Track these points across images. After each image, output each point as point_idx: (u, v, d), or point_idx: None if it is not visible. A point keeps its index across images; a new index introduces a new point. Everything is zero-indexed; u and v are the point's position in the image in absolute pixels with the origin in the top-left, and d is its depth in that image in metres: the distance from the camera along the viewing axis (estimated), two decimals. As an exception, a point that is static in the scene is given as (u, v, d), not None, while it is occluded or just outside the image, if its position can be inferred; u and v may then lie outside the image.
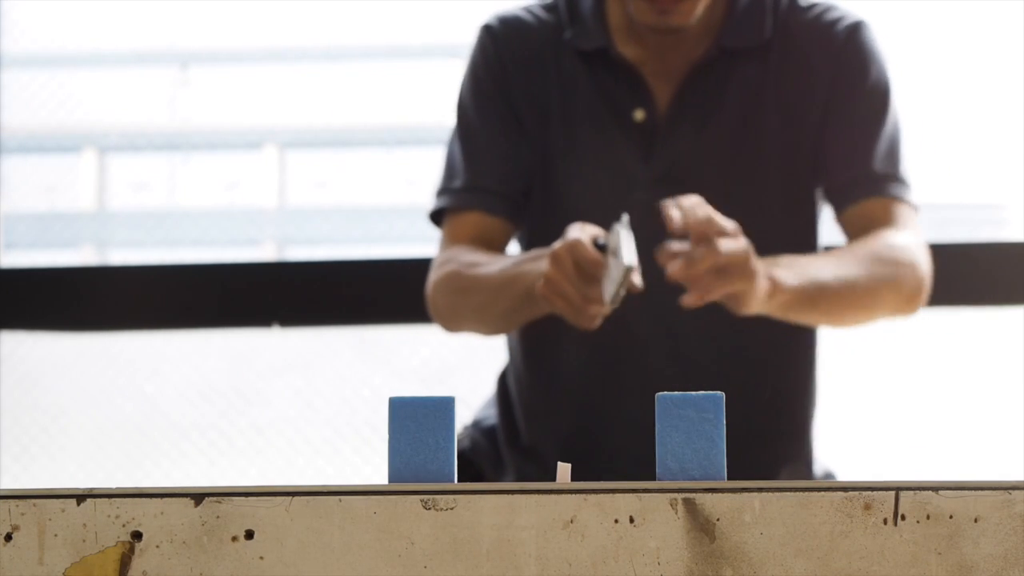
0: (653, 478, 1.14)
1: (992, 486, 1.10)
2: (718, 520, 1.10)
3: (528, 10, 2.36)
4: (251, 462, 2.96)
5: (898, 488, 1.10)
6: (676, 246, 2.02)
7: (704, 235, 2.00)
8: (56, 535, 1.12)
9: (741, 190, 2.26)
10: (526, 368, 2.33)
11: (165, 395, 2.99)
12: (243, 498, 1.12)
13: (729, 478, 1.13)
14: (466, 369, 2.94)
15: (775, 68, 2.29)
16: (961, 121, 3.00)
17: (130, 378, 3.00)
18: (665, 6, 2.20)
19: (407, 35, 3.10)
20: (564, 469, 1.18)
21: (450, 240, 2.31)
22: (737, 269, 2.01)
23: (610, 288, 1.96)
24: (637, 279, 1.98)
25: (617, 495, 1.11)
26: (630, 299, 2.03)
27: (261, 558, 1.12)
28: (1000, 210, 3.06)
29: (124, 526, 1.12)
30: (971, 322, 2.87)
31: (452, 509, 1.11)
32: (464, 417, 2.44)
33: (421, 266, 2.44)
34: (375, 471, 2.92)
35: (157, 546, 1.12)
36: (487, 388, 2.47)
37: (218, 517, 1.12)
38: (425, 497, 1.12)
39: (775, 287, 2.07)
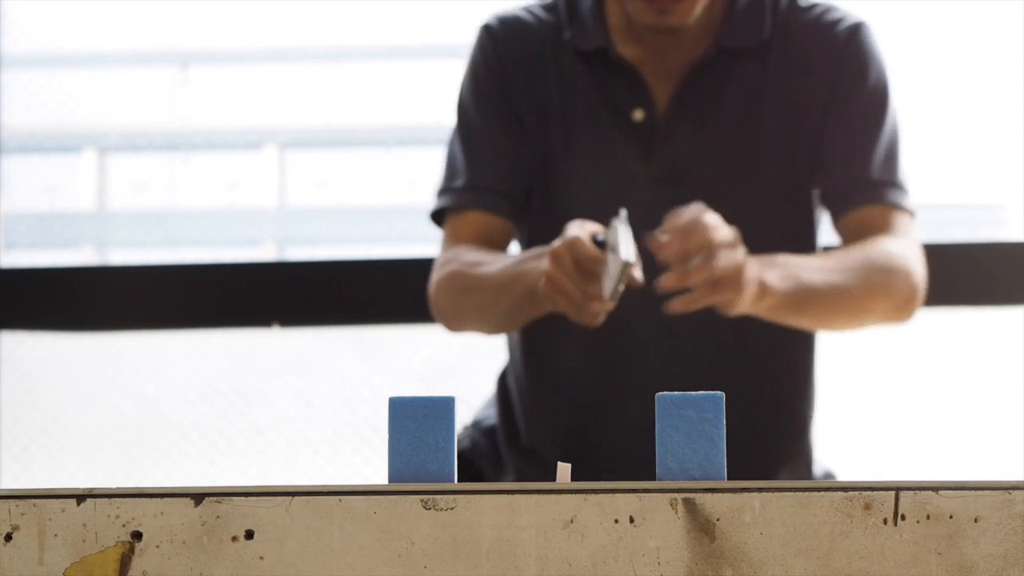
0: (653, 478, 1.14)
1: (992, 486, 1.10)
2: (718, 520, 1.10)
3: (528, 10, 2.37)
4: (251, 462, 2.96)
5: (898, 488, 1.10)
6: (667, 236, 2.03)
7: (701, 247, 2.00)
8: (56, 535, 1.12)
9: (740, 190, 2.26)
10: (526, 368, 2.33)
11: (165, 395, 2.99)
12: (243, 498, 1.12)
13: (729, 478, 1.13)
14: (466, 369, 2.94)
15: (774, 68, 2.29)
16: (961, 121, 3.00)
17: (130, 378, 3.00)
18: (663, 6, 2.20)
19: (407, 35, 3.10)
20: (564, 469, 1.18)
21: (452, 240, 2.31)
22: (729, 283, 2.02)
23: (609, 284, 1.96)
24: (638, 273, 1.98)
25: (617, 495, 1.11)
26: (630, 299, 2.03)
27: (261, 558, 1.12)
28: (1000, 210, 3.06)
29: (124, 526, 1.12)
30: (971, 322, 2.87)
31: (452, 509, 1.11)
32: (464, 417, 2.44)
33: (421, 266, 2.44)
34: (375, 471, 2.92)
35: (157, 546, 1.12)
36: (487, 388, 2.47)
37: (218, 517, 1.12)
38: (425, 497, 1.12)
39: (763, 291, 2.08)
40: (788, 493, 1.10)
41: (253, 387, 2.99)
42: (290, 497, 1.12)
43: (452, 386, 2.92)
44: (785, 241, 2.25)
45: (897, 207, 2.27)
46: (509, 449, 2.35)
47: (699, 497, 1.11)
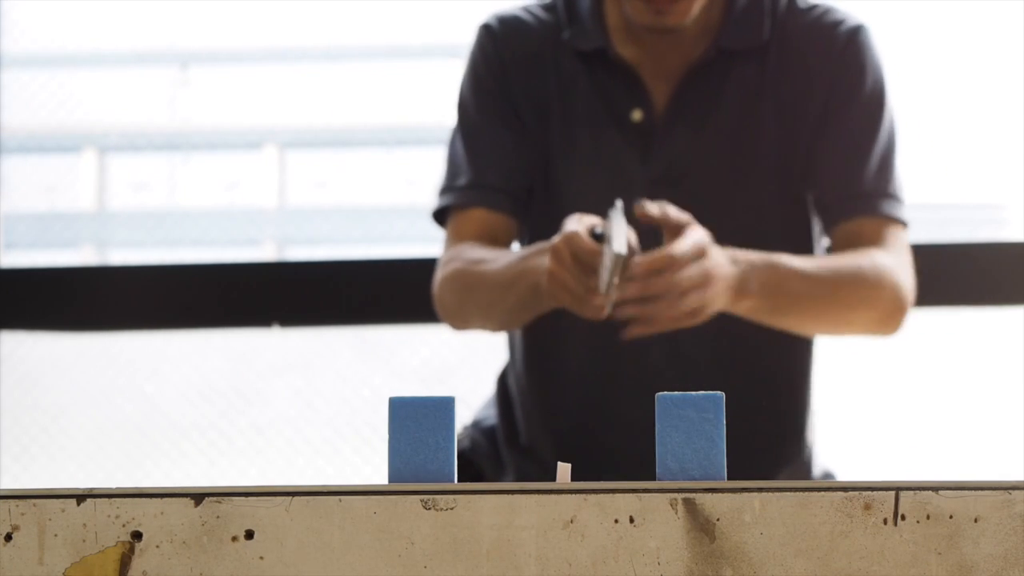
0: (653, 478, 1.14)
1: (992, 486, 1.10)
2: (718, 520, 1.10)
3: (527, 10, 2.37)
4: (251, 462, 2.96)
5: (898, 488, 1.10)
6: (652, 206, 2.05)
7: (667, 289, 2.02)
8: (56, 535, 1.12)
9: (738, 190, 2.26)
10: (526, 368, 2.33)
11: (165, 395, 2.99)
12: (243, 498, 1.12)
13: (729, 479, 1.13)
14: (466, 369, 2.94)
15: (773, 69, 2.29)
16: (961, 121, 3.00)
17: (130, 378, 3.00)
18: (661, 6, 2.20)
19: (407, 35, 3.10)
20: (564, 469, 1.18)
21: (455, 238, 2.31)
22: (694, 315, 2.05)
23: (604, 276, 1.96)
24: (637, 260, 1.99)
25: (617, 495, 1.11)
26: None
27: (261, 558, 1.12)
28: (1000, 210, 3.06)
29: (124, 526, 1.12)
30: (971, 322, 2.87)
31: (452, 509, 1.11)
32: (464, 417, 2.44)
33: (421, 266, 2.44)
34: (375, 471, 2.92)
35: (157, 546, 1.12)
36: (487, 388, 2.47)
37: (218, 517, 1.12)
38: (425, 497, 1.12)
39: (740, 296, 2.10)
40: (788, 493, 1.10)
41: (253, 387, 2.99)
42: (290, 497, 1.12)
43: (452, 386, 2.92)
44: (782, 241, 2.25)
45: (889, 219, 2.27)
46: (509, 449, 2.35)
47: (699, 497, 1.11)
